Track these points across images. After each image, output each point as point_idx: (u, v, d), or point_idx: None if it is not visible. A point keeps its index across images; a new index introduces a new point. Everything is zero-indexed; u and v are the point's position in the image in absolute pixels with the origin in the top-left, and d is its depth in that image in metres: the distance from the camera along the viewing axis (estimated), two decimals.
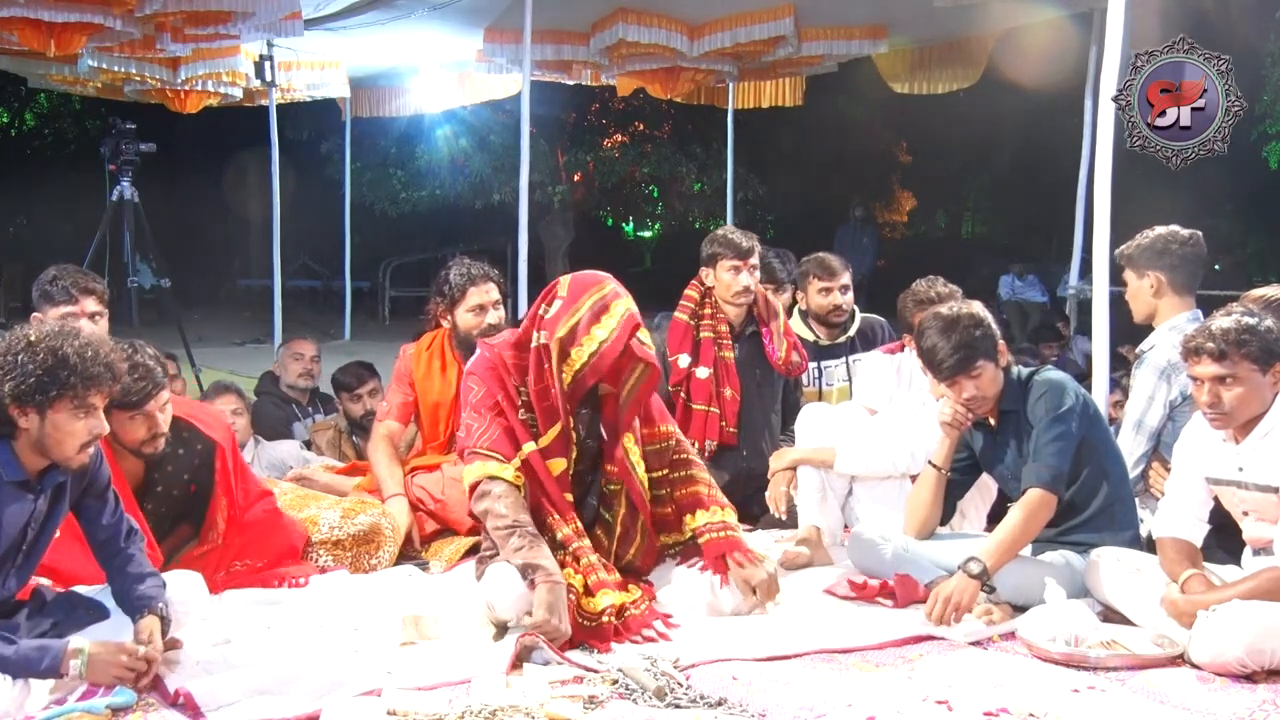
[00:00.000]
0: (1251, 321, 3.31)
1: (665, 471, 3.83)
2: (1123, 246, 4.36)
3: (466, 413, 3.71)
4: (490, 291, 4.66)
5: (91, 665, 2.80)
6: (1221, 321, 3.33)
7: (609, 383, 3.64)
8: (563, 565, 3.43)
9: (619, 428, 3.66)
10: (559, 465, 3.62)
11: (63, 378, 2.81)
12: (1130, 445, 4.13)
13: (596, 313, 3.52)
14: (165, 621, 3.03)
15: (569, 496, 3.63)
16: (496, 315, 4.64)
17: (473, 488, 3.58)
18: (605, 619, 3.34)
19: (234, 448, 3.87)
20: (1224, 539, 3.58)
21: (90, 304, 4.09)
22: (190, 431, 3.78)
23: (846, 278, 5.33)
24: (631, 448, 3.69)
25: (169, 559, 3.68)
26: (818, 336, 5.35)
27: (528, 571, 3.33)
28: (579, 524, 3.61)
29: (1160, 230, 4.32)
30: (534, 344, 3.62)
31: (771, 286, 5.32)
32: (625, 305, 3.56)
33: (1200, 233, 4.34)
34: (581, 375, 3.54)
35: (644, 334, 3.57)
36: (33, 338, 2.84)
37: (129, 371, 3.34)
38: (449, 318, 4.71)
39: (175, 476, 3.76)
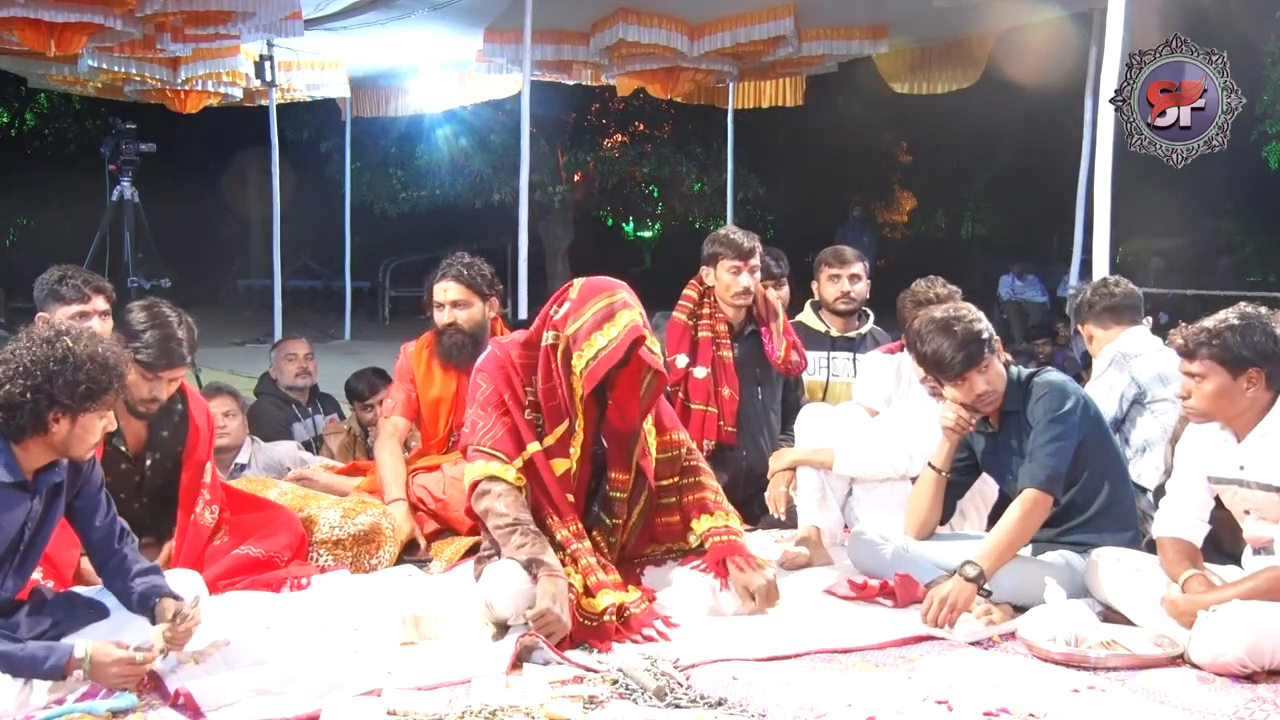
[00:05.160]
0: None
1: (676, 479, 3.83)
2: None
3: (473, 409, 3.70)
4: (448, 290, 4.61)
5: (94, 667, 2.80)
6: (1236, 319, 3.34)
7: (620, 388, 3.63)
8: (562, 565, 3.43)
9: (632, 427, 3.64)
10: (562, 465, 3.61)
11: (108, 382, 2.91)
12: None
13: (600, 320, 3.48)
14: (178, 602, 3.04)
15: (571, 498, 3.62)
16: (452, 315, 4.57)
17: (472, 486, 3.58)
18: (606, 618, 3.34)
19: (209, 421, 4.08)
20: (1224, 539, 3.58)
21: (100, 303, 4.12)
22: (184, 404, 4.00)
23: (858, 268, 5.37)
24: (650, 441, 3.72)
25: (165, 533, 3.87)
26: (829, 327, 5.37)
27: (531, 566, 3.33)
28: (579, 525, 3.60)
29: (1094, 283, 4.70)
30: (544, 343, 3.62)
31: (769, 283, 5.34)
32: (630, 316, 3.49)
33: (1122, 278, 4.65)
34: (582, 380, 3.53)
35: (653, 342, 3.54)
36: (71, 345, 2.88)
37: (165, 340, 3.71)
38: (428, 311, 4.74)
39: (171, 444, 3.92)
